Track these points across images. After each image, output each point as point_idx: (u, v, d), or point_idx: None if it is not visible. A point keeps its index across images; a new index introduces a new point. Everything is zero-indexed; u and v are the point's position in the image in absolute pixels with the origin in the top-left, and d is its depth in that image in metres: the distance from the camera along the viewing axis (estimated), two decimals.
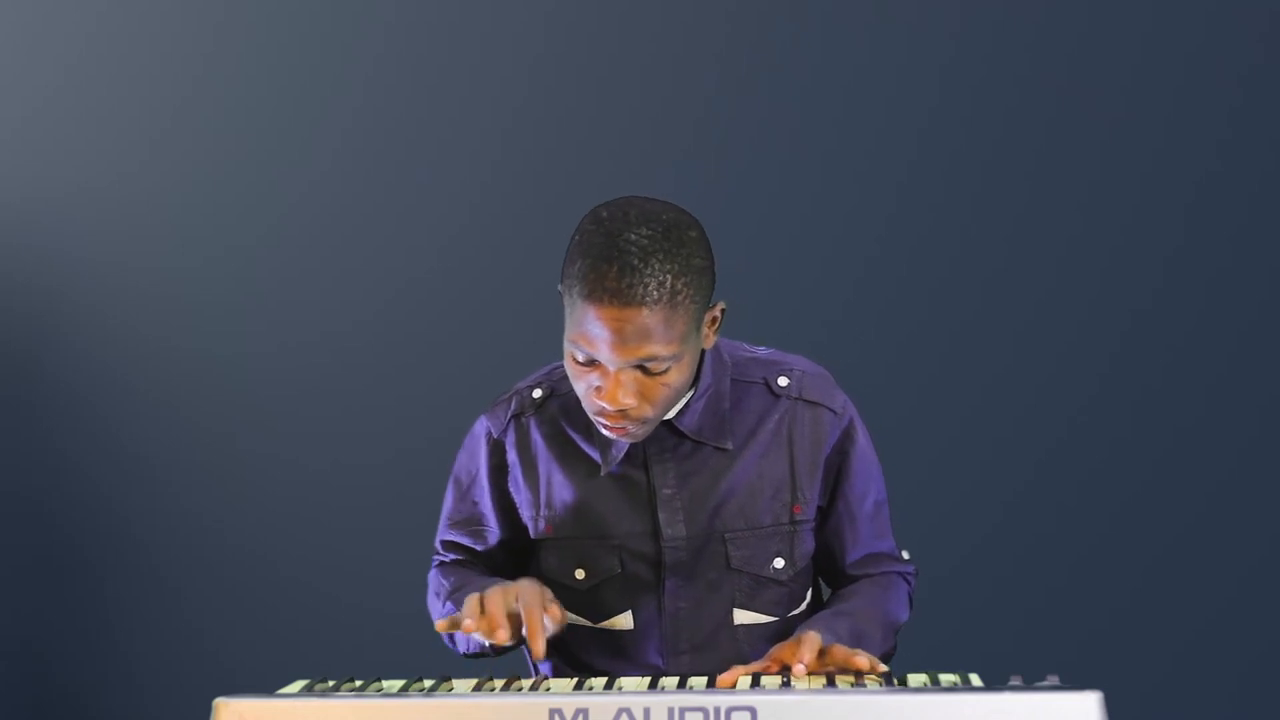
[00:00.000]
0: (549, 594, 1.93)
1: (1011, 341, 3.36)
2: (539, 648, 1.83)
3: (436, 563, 2.16)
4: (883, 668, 1.75)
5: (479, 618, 1.84)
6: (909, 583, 2.11)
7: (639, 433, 1.92)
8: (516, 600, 1.86)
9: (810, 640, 1.78)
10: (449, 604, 2.05)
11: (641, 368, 1.85)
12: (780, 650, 1.82)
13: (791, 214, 3.38)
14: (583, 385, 1.90)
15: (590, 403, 1.90)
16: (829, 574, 2.12)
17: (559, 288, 1.90)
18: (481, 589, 1.90)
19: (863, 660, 1.75)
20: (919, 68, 3.35)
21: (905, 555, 2.12)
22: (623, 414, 1.87)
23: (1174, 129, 3.31)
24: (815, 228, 3.38)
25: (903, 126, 3.35)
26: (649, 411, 1.89)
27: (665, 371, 1.86)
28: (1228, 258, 3.32)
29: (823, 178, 3.37)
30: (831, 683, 1.71)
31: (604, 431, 1.93)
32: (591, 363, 1.86)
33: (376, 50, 3.47)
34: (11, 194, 3.55)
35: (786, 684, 1.71)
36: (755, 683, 1.73)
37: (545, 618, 1.87)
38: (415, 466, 3.42)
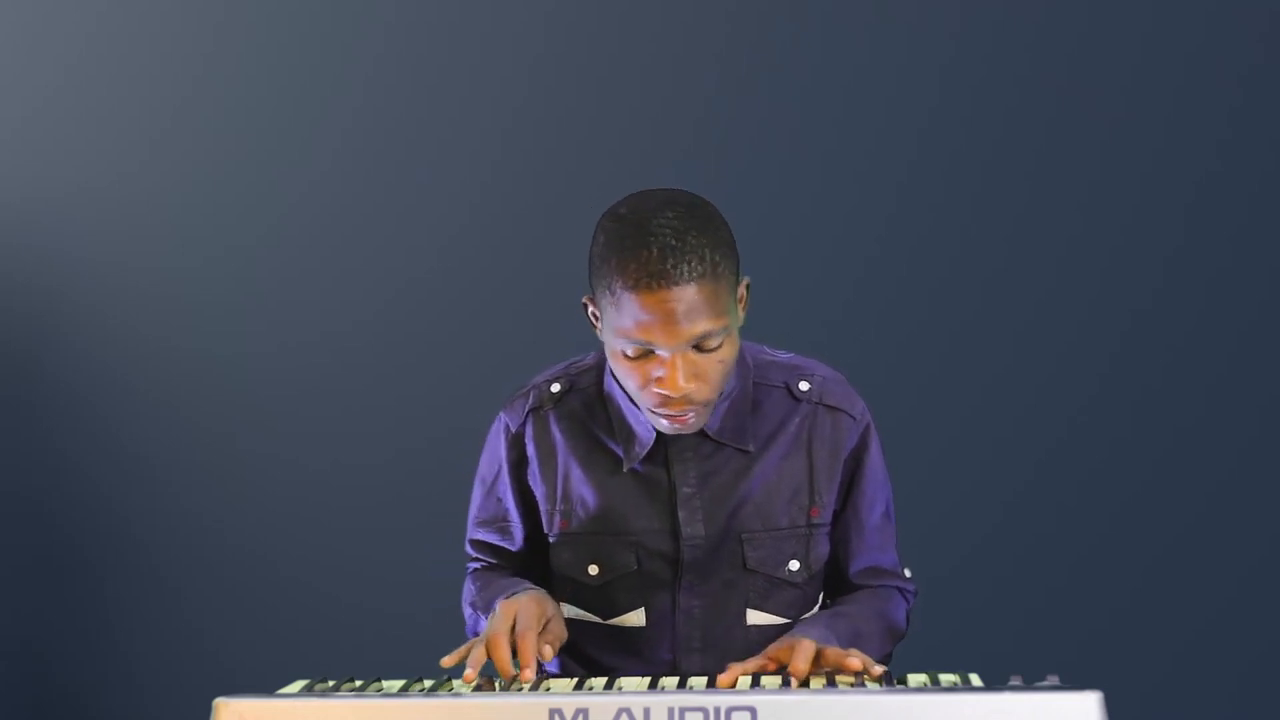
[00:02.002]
0: (550, 608, 1.92)
1: (1012, 342, 3.36)
2: (528, 674, 1.82)
3: (469, 570, 2.16)
4: (878, 669, 1.74)
5: (478, 665, 1.81)
6: (907, 600, 2.11)
7: (697, 422, 1.93)
8: (514, 631, 1.85)
9: (804, 649, 1.77)
10: (473, 611, 2.08)
11: (697, 347, 1.85)
12: (777, 650, 1.82)
13: (792, 214, 3.38)
14: (636, 380, 1.89)
15: (649, 396, 1.89)
16: (831, 581, 2.11)
17: (584, 299, 1.92)
18: (487, 626, 1.89)
19: (855, 661, 1.74)
20: (919, 68, 3.35)
21: (907, 573, 2.12)
22: (685, 400, 1.87)
23: (1174, 129, 3.31)
24: (815, 228, 3.38)
25: (903, 126, 3.35)
26: (708, 393, 1.89)
27: (719, 347, 1.87)
28: (1228, 258, 3.32)
29: (823, 178, 3.37)
30: (831, 683, 1.71)
31: (663, 425, 1.93)
32: (645, 355, 1.86)
33: (376, 50, 3.47)
34: (11, 194, 3.55)
35: (786, 684, 1.71)
36: (755, 683, 1.73)
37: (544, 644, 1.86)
38: (415, 466, 3.43)
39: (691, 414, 1.90)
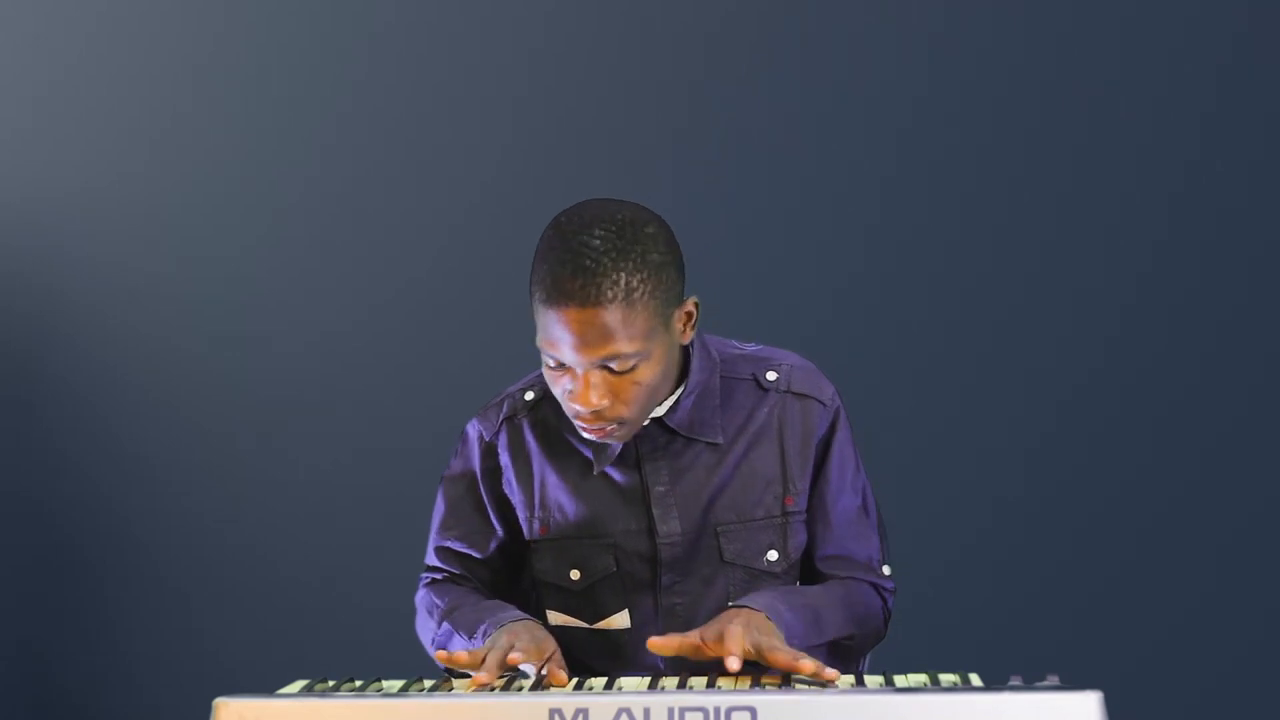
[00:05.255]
0: (550, 647, 1.89)
1: (1011, 341, 3.35)
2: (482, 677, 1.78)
3: (426, 580, 2.14)
4: (831, 673, 1.70)
5: (475, 672, 1.80)
6: (884, 599, 2.08)
7: (620, 434, 1.93)
8: (509, 653, 1.83)
9: (733, 636, 1.75)
10: (445, 625, 2.03)
11: (607, 367, 1.86)
12: (713, 638, 1.79)
13: (791, 214, 3.38)
14: (559, 389, 1.92)
15: (567, 406, 1.92)
16: (803, 570, 2.08)
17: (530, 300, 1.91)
18: (490, 639, 1.89)
19: (808, 664, 1.71)
20: (918, 67, 3.35)
21: (886, 571, 2.09)
22: (598, 415, 1.89)
23: (1166, 128, 3.30)
24: (814, 227, 3.38)
25: (902, 126, 3.35)
26: (624, 411, 1.90)
27: (633, 369, 1.87)
28: (1213, 254, 3.32)
29: (822, 177, 3.37)
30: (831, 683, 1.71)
31: (585, 434, 1.94)
32: (562, 366, 1.88)
33: (376, 50, 3.47)
34: (11, 194, 3.55)
35: (786, 683, 1.71)
36: (755, 683, 1.73)
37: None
38: (415, 466, 3.41)
39: (613, 428, 1.91)
